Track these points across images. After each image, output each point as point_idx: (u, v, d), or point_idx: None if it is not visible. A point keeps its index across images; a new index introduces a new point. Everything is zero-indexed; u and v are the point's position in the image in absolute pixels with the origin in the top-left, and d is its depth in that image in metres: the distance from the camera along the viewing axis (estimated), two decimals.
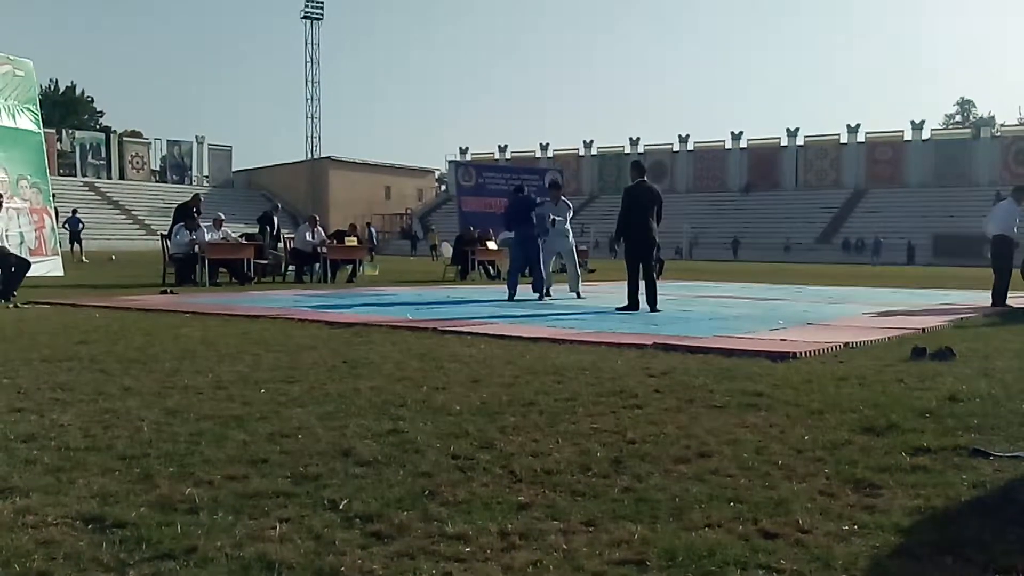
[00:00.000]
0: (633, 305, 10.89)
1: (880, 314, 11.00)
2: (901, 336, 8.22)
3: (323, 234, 18.86)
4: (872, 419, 4.31)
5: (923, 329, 8.97)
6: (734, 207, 70.63)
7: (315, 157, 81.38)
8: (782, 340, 7.67)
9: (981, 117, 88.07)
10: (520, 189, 15.09)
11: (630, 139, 79.15)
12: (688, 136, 77.26)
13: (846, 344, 7.39)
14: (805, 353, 6.76)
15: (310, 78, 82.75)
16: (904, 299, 14.08)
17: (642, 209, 11.05)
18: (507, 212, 14.28)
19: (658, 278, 22.07)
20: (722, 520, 2.80)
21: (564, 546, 2.58)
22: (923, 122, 69.98)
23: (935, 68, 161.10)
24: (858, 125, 71.31)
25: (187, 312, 9.83)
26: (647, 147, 78.47)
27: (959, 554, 2.50)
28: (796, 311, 11.29)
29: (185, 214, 17.15)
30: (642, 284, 10.97)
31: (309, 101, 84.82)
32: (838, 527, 2.75)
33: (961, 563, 2.44)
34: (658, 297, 11.05)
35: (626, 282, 11.19)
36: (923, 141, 68.93)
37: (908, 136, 69.44)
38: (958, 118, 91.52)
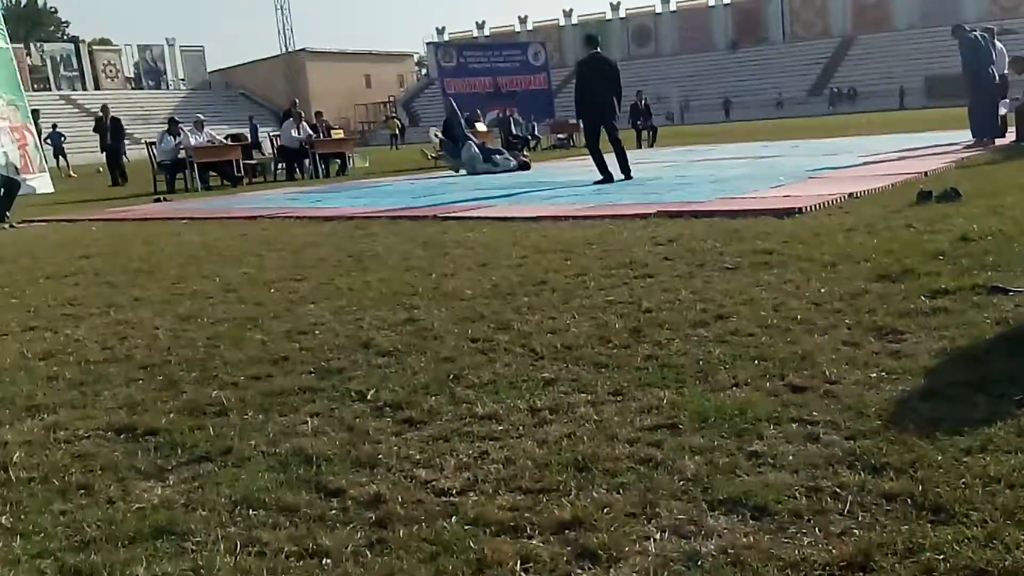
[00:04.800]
0: (607, 177, 10.81)
1: (880, 161, 10.90)
2: (904, 181, 8.15)
3: (309, 129, 18.52)
4: (886, 266, 4.29)
5: (925, 173, 8.89)
6: (722, 67, 69.26)
7: (290, 51, 79.33)
8: (785, 196, 7.61)
9: None
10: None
11: (611, 4, 76.98)
12: None
13: (850, 194, 7.33)
14: (810, 207, 6.70)
15: None
16: (901, 144, 13.93)
17: (597, 80, 10.91)
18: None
19: (652, 146, 22.01)
20: (749, 378, 2.81)
21: (595, 417, 2.60)
22: None
23: None
24: None
25: (183, 219, 9.74)
26: (629, 11, 76.50)
27: (990, 391, 2.51)
28: (795, 166, 11.17)
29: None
30: (612, 154, 10.88)
31: None
32: (866, 375, 2.76)
33: (994, 400, 2.45)
34: (630, 164, 11.03)
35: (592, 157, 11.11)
36: None
37: None
38: None
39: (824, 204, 6.87)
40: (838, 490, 1.99)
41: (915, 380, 2.68)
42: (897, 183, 8.06)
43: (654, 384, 2.84)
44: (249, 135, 21.08)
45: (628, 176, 10.82)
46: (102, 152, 20.67)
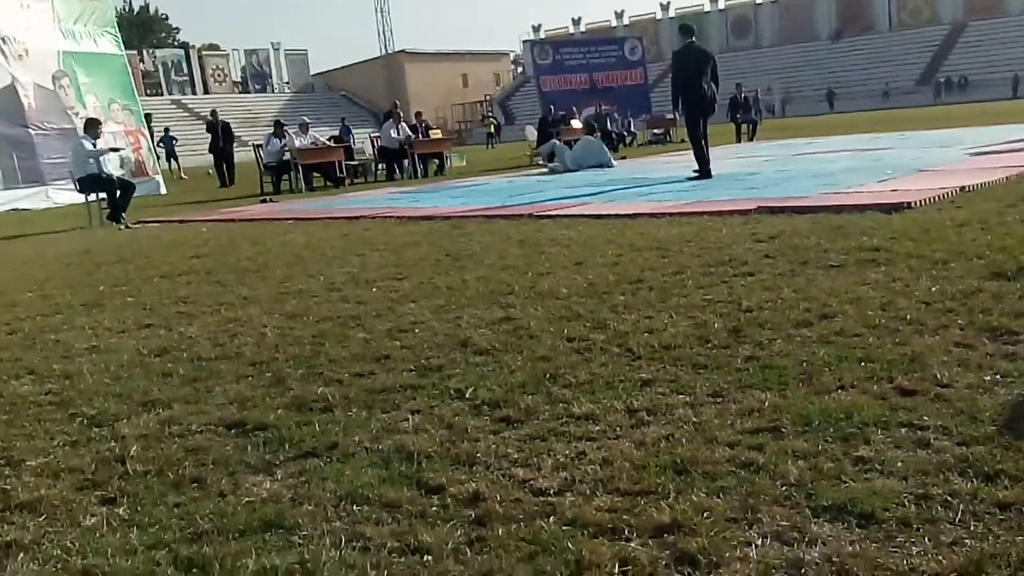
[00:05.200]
0: (705, 173, 10.63)
1: (993, 153, 10.44)
2: (1020, 175, 7.79)
3: (408, 130, 18.82)
4: (1001, 264, 4.12)
5: None
6: (825, 57, 67.31)
7: (389, 52, 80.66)
8: (893, 191, 7.36)
9: None
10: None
11: None
12: None
13: (962, 188, 7.05)
14: (920, 202, 6.47)
15: None
16: (1015, 135, 13.29)
17: (693, 71, 10.74)
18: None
19: (753, 139, 21.57)
20: (855, 381, 2.74)
21: (694, 419, 2.57)
22: None
23: None
24: None
25: (288, 219, 10.03)
26: (728, 2, 75.02)
27: None
28: (904, 159, 10.79)
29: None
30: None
31: None
32: (979, 378, 2.66)
33: None
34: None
35: (691, 149, 10.95)
36: None
37: None
38: None
39: (934, 198, 6.63)
40: (949, 498, 1.93)
41: None
42: (1011, 176, 7.71)
43: (755, 386, 2.79)
44: (343, 135, 21.57)
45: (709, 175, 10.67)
46: (210, 153, 21.41)
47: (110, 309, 5.14)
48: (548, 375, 3.11)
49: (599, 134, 17.80)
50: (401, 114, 19.37)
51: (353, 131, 23.36)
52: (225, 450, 2.65)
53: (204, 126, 22.36)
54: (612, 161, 15.47)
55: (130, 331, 4.49)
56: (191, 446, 2.71)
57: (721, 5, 75.09)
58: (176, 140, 31.77)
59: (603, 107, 24.76)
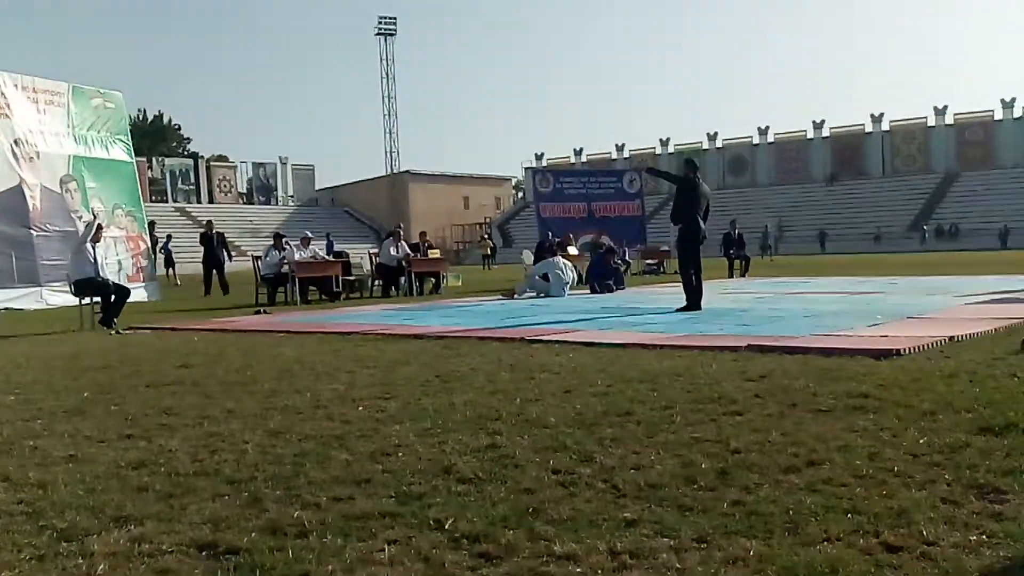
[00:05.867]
0: (694, 305, 10.79)
1: (983, 303, 10.57)
2: (1008, 327, 7.86)
3: (407, 248, 19.08)
4: (989, 418, 4.11)
5: None
6: (819, 198, 68.98)
7: (395, 171, 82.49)
8: (883, 336, 7.42)
9: None
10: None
11: (707, 134, 78.25)
12: (768, 128, 75.89)
13: (951, 338, 7.10)
14: (909, 349, 6.51)
15: (386, 94, 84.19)
16: (1005, 286, 13.50)
17: (695, 205, 11.04)
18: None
19: (744, 275, 21.85)
20: (841, 533, 2.69)
21: (677, 564, 2.52)
22: (1014, 99, 67.26)
23: None
24: (946, 107, 68.97)
25: (281, 332, 10.03)
26: (726, 141, 77.36)
27: None
28: (894, 304, 10.92)
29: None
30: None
31: (387, 116, 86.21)
32: (965, 537, 2.62)
33: None
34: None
35: (682, 282, 11.21)
36: (1015, 119, 66.23)
37: (999, 115, 66.84)
38: None
39: (924, 347, 6.67)
40: None
41: (1018, 546, 2.53)
42: (1001, 328, 7.78)
43: (741, 533, 2.75)
44: (326, 250, 21.90)
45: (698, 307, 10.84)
46: (203, 264, 21.62)
47: (92, 417, 5.08)
48: (531, 509, 3.06)
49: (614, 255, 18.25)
50: (401, 232, 19.67)
51: (335, 245, 23.74)
52: (195, 573, 2.58)
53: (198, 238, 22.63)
54: (565, 292, 15.74)
55: (110, 441, 4.42)
56: (160, 567, 2.63)
57: (719, 143, 77.34)
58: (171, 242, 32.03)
59: (602, 237, 25.13)
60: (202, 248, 22.13)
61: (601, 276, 16.92)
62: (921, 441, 3.76)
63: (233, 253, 22.77)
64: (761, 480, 3.30)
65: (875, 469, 3.37)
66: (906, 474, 3.29)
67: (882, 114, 71.39)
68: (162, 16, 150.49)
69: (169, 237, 32.70)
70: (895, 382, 5.18)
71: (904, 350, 6.47)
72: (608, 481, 3.37)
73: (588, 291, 16.54)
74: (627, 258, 26.42)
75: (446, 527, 2.89)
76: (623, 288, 16.93)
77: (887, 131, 70.93)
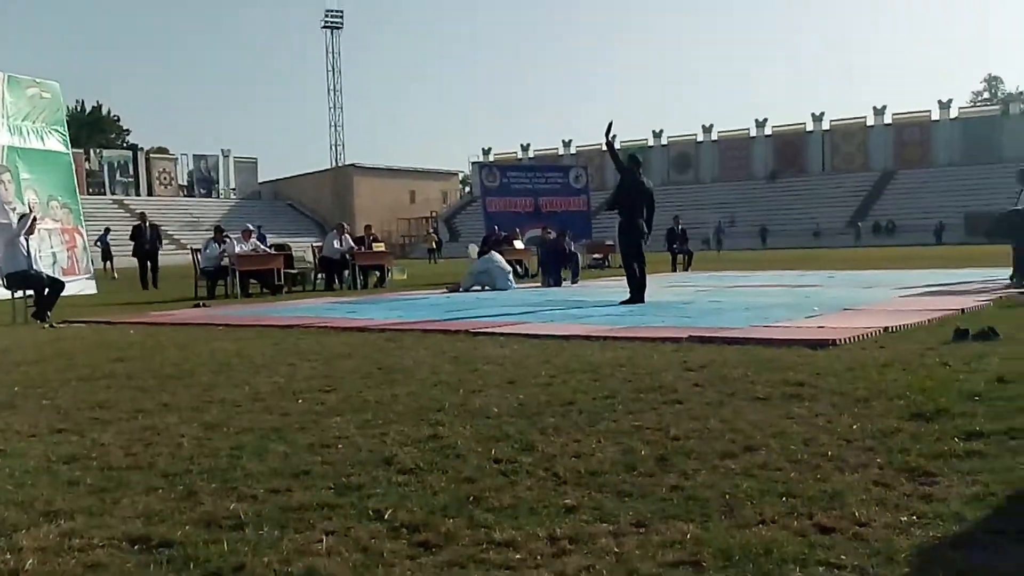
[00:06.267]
0: (637, 298, 10.91)
1: (917, 296, 10.83)
2: (941, 318, 8.07)
3: (351, 241, 18.91)
4: (920, 404, 4.21)
5: (963, 310, 8.80)
6: (761, 195, 70.05)
7: (339, 165, 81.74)
8: (820, 327, 7.56)
9: (1010, 93, 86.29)
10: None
11: (653, 131, 78.86)
12: (712, 126, 76.82)
13: (886, 329, 7.27)
14: (845, 340, 6.65)
15: (332, 87, 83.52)
16: (938, 279, 13.85)
17: (635, 201, 11.18)
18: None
19: (688, 269, 22.11)
20: (776, 516, 2.73)
21: (615, 549, 2.53)
22: (950, 101, 69.19)
23: (960, 45, 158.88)
24: (884, 107, 70.57)
25: (220, 325, 9.87)
26: (671, 139, 78.14)
27: None
28: (831, 297, 11.13)
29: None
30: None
31: (332, 109, 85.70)
32: (896, 518, 2.68)
33: None
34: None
35: (625, 275, 11.33)
36: (951, 120, 68.05)
37: (936, 116, 68.60)
38: (986, 95, 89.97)
39: (859, 337, 6.81)
40: None
41: (947, 526, 2.59)
42: (933, 319, 7.98)
43: (678, 517, 2.77)
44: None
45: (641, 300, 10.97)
46: (134, 256, 21.18)
47: (22, 411, 4.94)
48: (472, 497, 3.05)
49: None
50: (345, 225, 19.50)
51: (267, 237, 23.44)
52: (126, 567, 2.52)
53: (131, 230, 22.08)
54: (511, 284, 15.78)
55: (41, 435, 4.30)
56: (90, 562, 2.57)
57: (664, 141, 78.09)
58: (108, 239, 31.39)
59: (548, 231, 25.23)
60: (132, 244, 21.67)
61: (559, 262, 16.98)
62: (855, 427, 3.84)
63: (165, 241, 22.26)
64: (699, 466, 3.33)
65: (810, 454, 3.43)
66: (840, 458, 3.36)
67: (823, 113, 72.86)
68: (100, 4, 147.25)
69: (107, 230, 32.00)
70: (831, 371, 5.28)
71: (840, 340, 6.60)
72: (549, 469, 3.37)
73: (540, 285, 16.60)
74: (573, 249, 26.58)
75: (385, 517, 2.87)
76: (577, 281, 16.91)
77: (827, 130, 72.30)
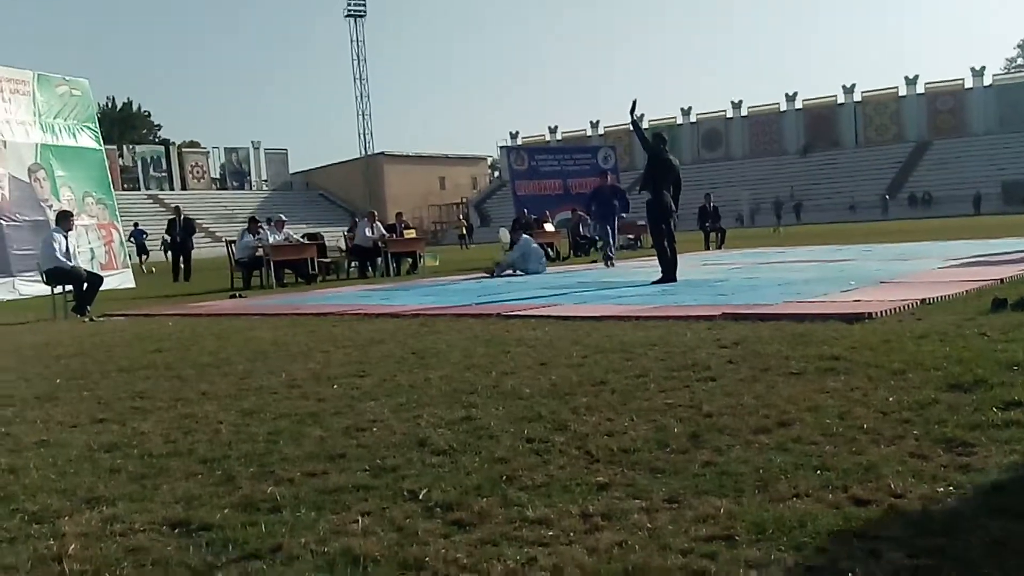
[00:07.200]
0: (670, 277, 10.86)
1: (954, 267, 10.68)
2: (979, 288, 7.95)
3: (382, 229, 19.00)
4: (958, 376, 4.16)
5: (1001, 280, 8.66)
6: (793, 170, 69.28)
7: (369, 153, 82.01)
8: (855, 301, 7.48)
9: None
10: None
11: (681, 109, 78.39)
12: (741, 102, 76.06)
13: (922, 300, 7.17)
14: (881, 313, 6.57)
15: (358, 75, 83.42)
16: (977, 250, 13.64)
17: (662, 178, 11.13)
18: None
19: (721, 247, 21.95)
20: (810, 489, 2.72)
21: (648, 525, 2.53)
22: (984, 68, 67.88)
23: (993, 10, 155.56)
24: (916, 76, 69.41)
25: (256, 315, 9.98)
26: (700, 115, 77.51)
27: None
28: (867, 270, 11.01)
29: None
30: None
31: (359, 98, 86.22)
32: (932, 489, 2.65)
33: None
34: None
35: (656, 254, 11.28)
36: (985, 87, 66.79)
37: (969, 84, 67.38)
38: (1020, 61, 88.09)
39: (895, 310, 6.73)
40: None
41: (984, 497, 2.56)
42: (971, 290, 7.86)
43: (711, 492, 2.77)
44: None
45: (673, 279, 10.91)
46: (166, 250, 21.48)
47: (64, 403, 5.04)
48: (505, 477, 3.06)
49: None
50: (375, 213, 19.60)
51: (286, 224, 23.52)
52: (166, 551, 2.57)
53: (166, 224, 22.36)
54: (545, 268, 15.72)
55: (82, 425, 4.39)
56: (131, 546, 2.62)
57: (693, 118, 77.44)
58: (146, 235, 31.84)
59: (577, 212, 25.17)
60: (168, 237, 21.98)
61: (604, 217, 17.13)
62: (890, 399, 3.80)
63: (199, 234, 22.65)
64: (732, 441, 3.32)
65: (844, 427, 3.40)
66: (875, 431, 3.33)
67: (854, 85, 71.84)
68: (130, 2, 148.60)
69: (136, 225, 32.41)
70: (866, 344, 5.22)
71: (876, 313, 6.53)
72: (581, 448, 3.38)
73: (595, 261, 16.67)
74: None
75: (420, 497, 2.90)
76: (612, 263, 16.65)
77: (859, 102, 71.30)
